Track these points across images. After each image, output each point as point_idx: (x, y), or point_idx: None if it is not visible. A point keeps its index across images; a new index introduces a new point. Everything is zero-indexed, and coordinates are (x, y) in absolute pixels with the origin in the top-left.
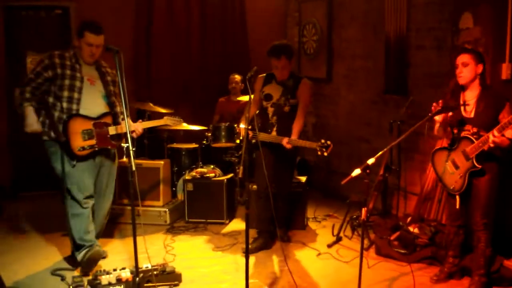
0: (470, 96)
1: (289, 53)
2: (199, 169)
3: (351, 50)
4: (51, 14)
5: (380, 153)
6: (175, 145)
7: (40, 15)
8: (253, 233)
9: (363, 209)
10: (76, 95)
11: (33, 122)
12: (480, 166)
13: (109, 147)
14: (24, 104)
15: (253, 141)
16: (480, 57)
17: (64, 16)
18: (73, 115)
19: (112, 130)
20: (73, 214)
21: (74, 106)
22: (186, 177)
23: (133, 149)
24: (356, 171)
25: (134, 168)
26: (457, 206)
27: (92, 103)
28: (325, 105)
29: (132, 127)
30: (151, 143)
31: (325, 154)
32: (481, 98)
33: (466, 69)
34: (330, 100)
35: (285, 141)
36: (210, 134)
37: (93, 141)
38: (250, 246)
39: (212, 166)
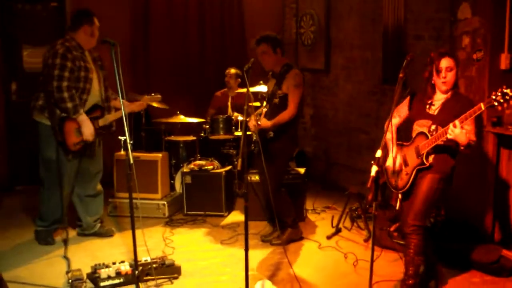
0: (439, 98)
1: (269, 40)
2: (197, 162)
3: (349, 41)
4: (47, 7)
5: (383, 143)
6: (172, 138)
7: (36, 8)
8: (252, 225)
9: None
10: (88, 86)
11: (93, 130)
12: (428, 163)
13: (97, 139)
14: (80, 111)
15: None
16: (458, 61)
17: (60, 9)
18: (65, 118)
19: (101, 122)
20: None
21: (85, 96)
22: (184, 170)
23: (131, 142)
24: (374, 168)
25: (132, 161)
26: (397, 207)
27: (93, 93)
28: (323, 96)
29: (127, 108)
30: (149, 136)
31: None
32: (448, 100)
33: (451, 73)
34: (328, 91)
35: (251, 124)
36: (208, 126)
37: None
38: (270, 237)
39: (210, 159)
